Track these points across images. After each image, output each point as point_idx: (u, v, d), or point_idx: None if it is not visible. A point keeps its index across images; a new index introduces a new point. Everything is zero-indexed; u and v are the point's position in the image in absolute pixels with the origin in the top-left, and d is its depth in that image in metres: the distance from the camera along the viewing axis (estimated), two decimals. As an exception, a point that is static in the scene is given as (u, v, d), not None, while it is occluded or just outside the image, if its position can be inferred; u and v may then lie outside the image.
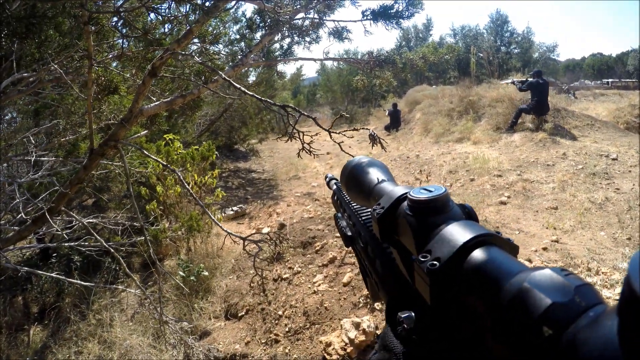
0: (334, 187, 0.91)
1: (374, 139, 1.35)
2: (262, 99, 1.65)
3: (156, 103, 2.12)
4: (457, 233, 0.41)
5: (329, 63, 21.62)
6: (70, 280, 3.42)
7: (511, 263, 0.36)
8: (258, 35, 3.50)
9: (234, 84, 1.53)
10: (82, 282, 3.45)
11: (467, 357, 0.42)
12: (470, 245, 0.39)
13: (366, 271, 0.67)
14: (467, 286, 0.38)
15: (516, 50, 33.01)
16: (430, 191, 0.47)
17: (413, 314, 0.46)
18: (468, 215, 0.47)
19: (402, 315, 0.46)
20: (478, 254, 0.38)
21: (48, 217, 2.01)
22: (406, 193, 0.50)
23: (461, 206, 0.48)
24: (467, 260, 0.38)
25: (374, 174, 0.64)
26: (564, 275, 0.31)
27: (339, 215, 0.81)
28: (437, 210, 0.45)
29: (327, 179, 0.98)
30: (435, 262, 0.39)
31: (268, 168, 11.32)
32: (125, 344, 3.66)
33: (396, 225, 0.50)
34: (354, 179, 0.67)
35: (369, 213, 0.70)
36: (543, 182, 6.32)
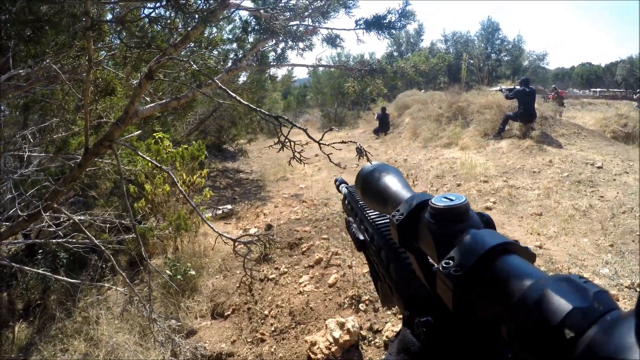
0: (345, 190, 0.91)
1: (360, 152, 1.39)
2: (257, 109, 1.68)
3: (151, 105, 2.15)
4: (480, 241, 0.42)
5: (320, 65, 21.61)
6: (57, 277, 3.42)
7: (532, 270, 0.37)
8: (251, 38, 3.53)
9: (230, 93, 1.57)
10: (69, 279, 3.45)
11: None
12: (492, 253, 0.40)
13: (378, 275, 0.68)
14: (489, 292, 0.39)
15: (506, 58, 33.34)
16: (452, 200, 0.48)
17: (431, 318, 0.47)
18: (486, 223, 0.49)
19: (421, 320, 0.48)
20: (500, 262, 0.39)
21: (43, 213, 2.03)
22: (426, 201, 0.51)
23: (480, 215, 0.49)
24: (490, 267, 0.40)
25: (391, 181, 0.65)
26: (583, 282, 0.32)
27: (351, 219, 0.81)
28: (459, 218, 0.46)
29: (337, 183, 0.99)
30: (458, 269, 0.41)
31: (256, 169, 11.33)
32: (112, 342, 3.66)
33: (416, 232, 0.51)
34: (370, 185, 0.67)
35: (384, 218, 0.71)
36: (528, 189, 6.43)
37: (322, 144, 1.47)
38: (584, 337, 0.28)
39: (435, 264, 0.49)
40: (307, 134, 1.50)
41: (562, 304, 0.31)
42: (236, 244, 2.39)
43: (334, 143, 1.47)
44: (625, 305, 3.32)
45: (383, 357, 3.06)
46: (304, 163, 1.58)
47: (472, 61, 25.26)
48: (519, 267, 0.38)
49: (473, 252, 0.41)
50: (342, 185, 0.95)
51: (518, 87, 9.28)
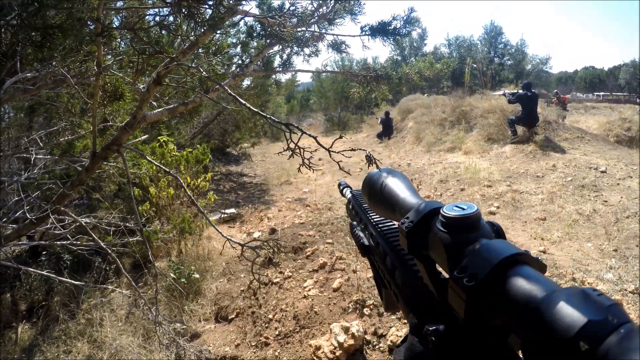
0: (349, 195, 0.90)
1: (370, 160, 1.40)
2: (267, 116, 1.70)
3: (159, 110, 2.17)
4: (492, 251, 0.41)
5: (323, 69, 21.62)
6: (61, 278, 3.42)
7: (545, 282, 0.37)
8: (255, 42, 3.56)
9: (240, 100, 1.58)
10: (73, 281, 3.46)
11: None
12: (505, 264, 0.40)
13: (383, 281, 0.68)
14: (502, 303, 0.39)
15: (509, 62, 33.35)
16: (463, 209, 0.47)
17: (441, 327, 0.47)
18: (497, 233, 0.48)
19: (431, 328, 0.47)
20: (513, 273, 0.39)
21: (51, 216, 2.05)
22: (437, 209, 0.50)
23: (490, 224, 0.49)
24: (503, 278, 0.39)
25: (398, 187, 0.64)
26: (597, 295, 0.33)
27: (355, 224, 0.80)
28: (471, 227, 0.46)
29: (341, 187, 0.97)
30: (471, 279, 0.41)
31: (260, 172, 11.34)
32: (115, 344, 3.67)
33: (426, 240, 0.50)
34: (377, 190, 0.66)
35: (390, 224, 0.71)
36: (532, 193, 6.42)
37: (332, 151, 1.48)
38: (599, 349, 0.29)
39: (443, 272, 0.49)
40: (318, 142, 1.51)
41: (577, 317, 0.31)
42: (244, 248, 2.40)
43: (343, 151, 1.49)
44: (630, 310, 3.32)
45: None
46: (313, 169, 1.59)
47: (475, 65, 25.26)
48: (532, 278, 0.38)
49: (486, 262, 0.41)
50: (346, 189, 0.95)
51: (520, 91, 9.24)
